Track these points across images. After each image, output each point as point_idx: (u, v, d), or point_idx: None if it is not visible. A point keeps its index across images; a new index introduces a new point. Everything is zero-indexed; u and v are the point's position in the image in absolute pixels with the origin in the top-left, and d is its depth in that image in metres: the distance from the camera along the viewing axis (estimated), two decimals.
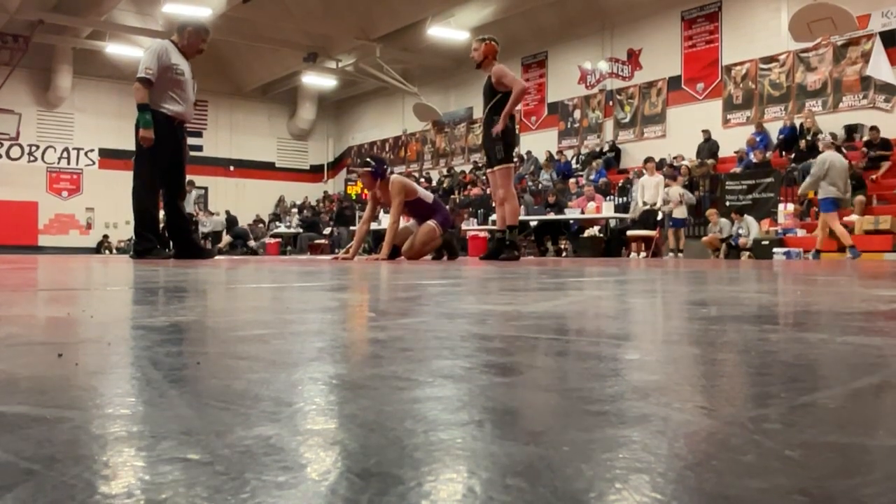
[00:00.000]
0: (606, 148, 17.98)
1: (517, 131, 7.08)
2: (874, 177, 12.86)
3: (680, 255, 13.14)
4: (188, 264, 5.15)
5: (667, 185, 13.78)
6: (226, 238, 20.60)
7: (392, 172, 7.60)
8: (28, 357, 0.85)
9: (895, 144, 13.16)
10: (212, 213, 23.02)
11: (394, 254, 7.23)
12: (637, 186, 14.23)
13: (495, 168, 7.08)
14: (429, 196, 7.58)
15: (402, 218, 7.34)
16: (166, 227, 6.75)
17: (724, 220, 12.98)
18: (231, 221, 22.10)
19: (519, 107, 21.86)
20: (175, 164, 6.41)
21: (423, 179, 22.35)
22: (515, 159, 7.96)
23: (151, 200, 6.35)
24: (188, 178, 19.90)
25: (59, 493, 0.36)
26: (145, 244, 6.29)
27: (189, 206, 17.99)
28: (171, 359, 0.82)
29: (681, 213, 13.40)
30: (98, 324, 1.22)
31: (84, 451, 0.44)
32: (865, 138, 13.35)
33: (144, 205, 6.30)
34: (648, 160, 14.39)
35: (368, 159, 7.50)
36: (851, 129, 13.92)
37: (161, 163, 6.27)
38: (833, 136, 13.08)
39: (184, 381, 0.67)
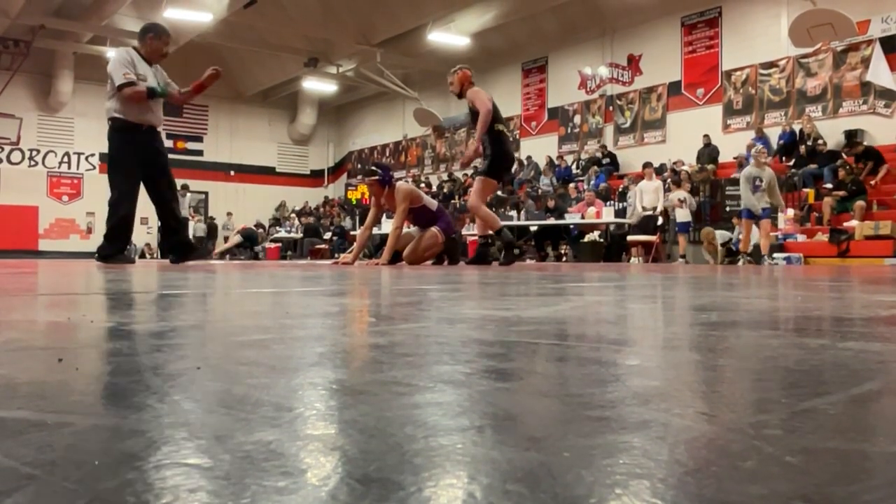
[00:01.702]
0: (600, 155, 17.95)
1: (506, 148, 7.19)
2: (874, 181, 12.86)
3: (682, 259, 13.12)
4: (189, 269, 5.15)
5: (671, 189, 13.77)
6: (234, 238, 20.62)
7: (395, 179, 7.63)
8: (28, 362, 0.85)
9: (887, 151, 13.15)
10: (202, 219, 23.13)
11: (395, 259, 7.23)
12: (635, 192, 14.21)
13: (476, 176, 7.34)
14: (433, 203, 7.61)
15: (404, 224, 7.36)
16: (160, 229, 6.79)
17: (720, 232, 12.94)
18: (212, 228, 22.24)
19: (519, 111, 21.52)
20: (156, 169, 6.42)
21: (423, 184, 22.35)
22: (514, 169, 8.12)
23: (125, 208, 6.35)
24: (182, 181, 19.71)
25: (59, 498, 0.36)
26: (108, 249, 6.35)
27: (184, 210, 18.09)
28: (171, 364, 0.82)
29: (684, 216, 13.38)
30: (98, 328, 1.22)
31: (84, 456, 0.44)
32: (855, 150, 13.35)
33: (118, 213, 6.34)
34: (647, 165, 14.40)
35: (374, 167, 7.53)
36: (851, 135, 13.92)
37: (130, 168, 6.27)
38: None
39: (184, 386, 0.67)
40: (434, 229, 7.29)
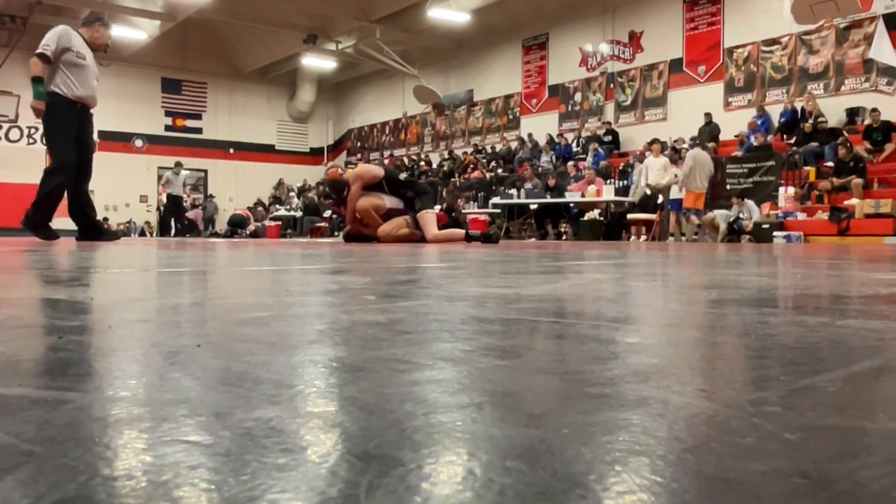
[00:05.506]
0: (602, 132, 17.85)
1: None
2: (875, 159, 12.80)
3: (683, 238, 13.07)
4: (187, 245, 5.15)
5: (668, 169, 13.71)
6: (223, 228, 20.64)
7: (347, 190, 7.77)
8: (29, 339, 0.85)
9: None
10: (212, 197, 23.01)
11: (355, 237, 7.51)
12: (640, 169, 14.11)
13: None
14: (396, 202, 7.71)
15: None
16: (69, 209, 6.79)
17: (721, 212, 12.90)
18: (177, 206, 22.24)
19: (519, 89, 21.40)
20: (79, 146, 6.44)
21: (423, 163, 22.28)
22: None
23: (56, 180, 6.37)
24: (177, 159, 19.54)
25: (59, 474, 0.36)
26: (32, 220, 6.41)
27: (178, 188, 17.92)
28: (171, 341, 0.82)
29: (679, 194, 13.29)
30: (99, 306, 1.22)
31: (85, 433, 0.44)
32: (867, 122, 13.26)
33: (48, 184, 6.37)
34: (654, 142, 14.26)
35: (327, 191, 7.97)
36: (853, 113, 13.85)
37: (67, 140, 6.35)
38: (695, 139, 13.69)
39: (184, 363, 0.68)
40: (402, 219, 7.48)
